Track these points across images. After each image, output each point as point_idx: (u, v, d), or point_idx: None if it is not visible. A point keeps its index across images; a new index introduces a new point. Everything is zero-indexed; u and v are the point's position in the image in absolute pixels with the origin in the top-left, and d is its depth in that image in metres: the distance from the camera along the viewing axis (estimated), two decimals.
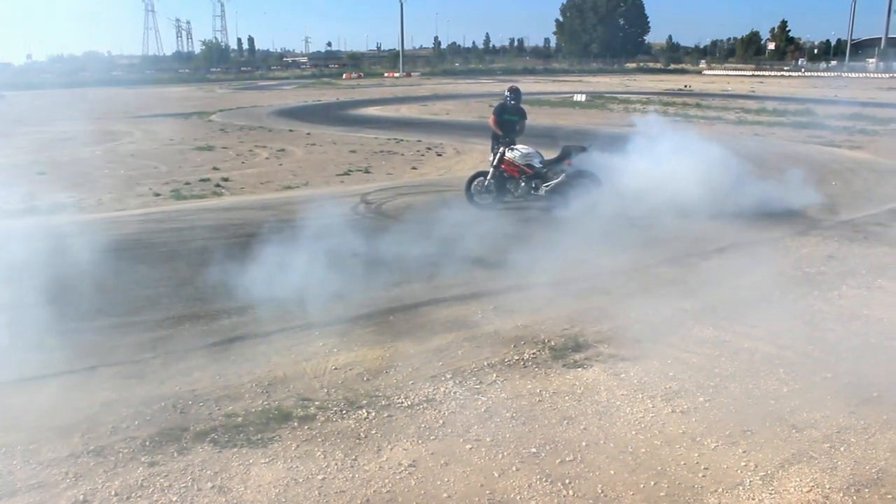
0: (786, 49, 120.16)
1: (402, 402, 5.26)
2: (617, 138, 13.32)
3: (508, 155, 11.62)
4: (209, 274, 8.24)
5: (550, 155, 11.82)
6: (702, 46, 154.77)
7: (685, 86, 56.39)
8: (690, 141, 12.55)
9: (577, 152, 11.46)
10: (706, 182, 10.94)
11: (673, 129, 14.19)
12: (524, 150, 11.64)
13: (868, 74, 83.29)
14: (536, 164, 11.52)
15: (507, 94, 12.31)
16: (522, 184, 11.63)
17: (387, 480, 4.30)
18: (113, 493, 4.18)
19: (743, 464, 4.44)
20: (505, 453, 4.58)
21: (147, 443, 4.70)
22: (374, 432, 4.85)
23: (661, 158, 11.53)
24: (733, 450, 4.60)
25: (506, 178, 11.72)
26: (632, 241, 9.54)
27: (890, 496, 4.11)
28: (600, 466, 4.44)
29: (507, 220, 11.00)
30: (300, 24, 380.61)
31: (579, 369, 5.80)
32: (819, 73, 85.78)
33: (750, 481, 4.26)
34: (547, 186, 11.40)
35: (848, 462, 4.46)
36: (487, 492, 4.19)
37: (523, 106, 12.59)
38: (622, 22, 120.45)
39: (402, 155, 19.08)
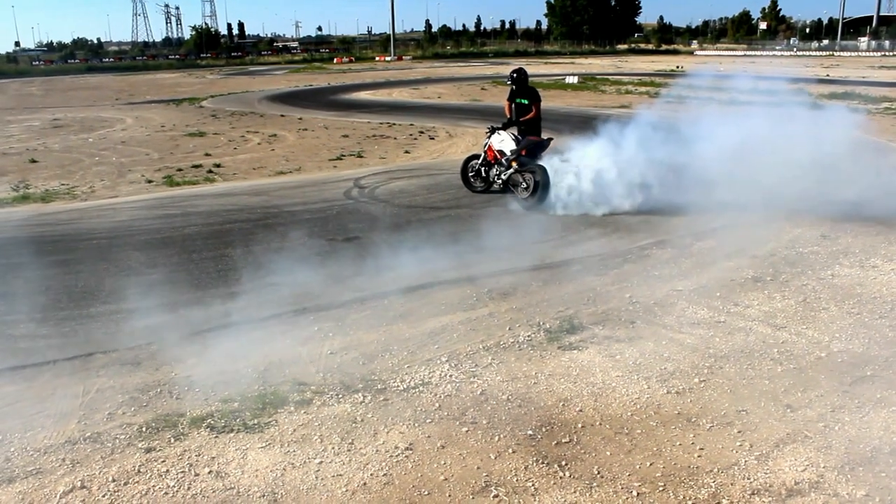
0: (777, 28, 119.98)
1: (398, 386, 5.27)
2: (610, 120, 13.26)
3: (492, 139, 11.47)
4: (203, 260, 8.24)
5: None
6: (693, 27, 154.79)
7: (677, 67, 56.26)
8: (681, 122, 12.47)
9: (536, 145, 11.03)
10: (702, 162, 10.80)
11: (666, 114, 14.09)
12: (502, 136, 11.32)
13: (860, 53, 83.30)
14: (507, 151, 11.13)
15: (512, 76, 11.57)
16: (493, 170, 11.43)
17: (384, 464, 4.31)
18: (110, 478, 4.18)
19: (738, 444, 4.46)
20: (501, 436, 4.60)
21: (144, 429, 4.70)
22: (370, 416, 4.86)
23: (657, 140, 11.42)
24: (728, 430, 4.62)
25: (489, 163, 11.54)
26: (622, 223, 9.57)
27: (884, 474, 4.13)
28: (596, 448, 4.46)
29: (497, 204, 10.98)
30: (290, 8, 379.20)
31: (574, 351, 5.81)
32: (811, 52, 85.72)
33: (745, 461, 4.28)
34: (505, 176, 11.11)
35: (842, 441, 4.48)
36: (484, 474, 4.20)
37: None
38: (613, 3, 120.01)
39: (395, 139, 19.03)
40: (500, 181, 11.28)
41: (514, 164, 10.94)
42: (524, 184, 10.78)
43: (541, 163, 10.78)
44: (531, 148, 10.98)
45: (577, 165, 10.84)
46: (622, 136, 11.33)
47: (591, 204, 10.34)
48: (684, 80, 25.28)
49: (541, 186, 10.48)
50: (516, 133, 11.32)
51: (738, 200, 9.92)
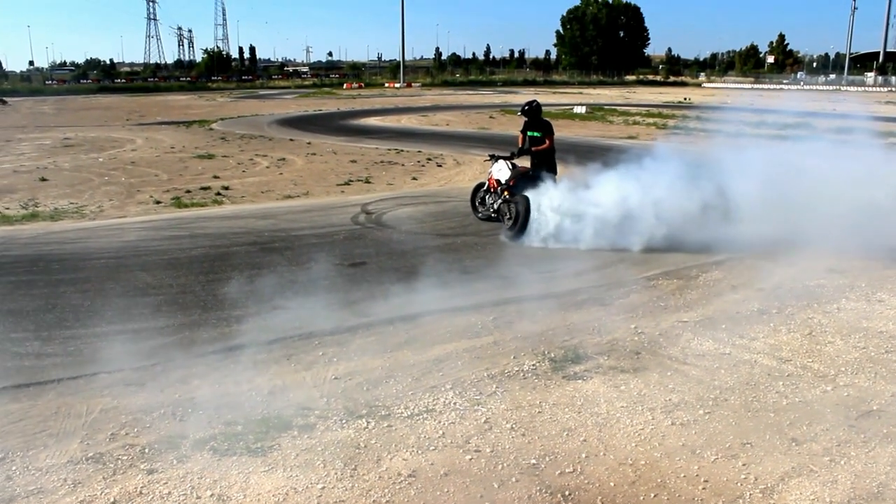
0: (785, 62, 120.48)
1: (402, 413, 5.26)
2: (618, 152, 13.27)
3: (493, 167, 11.46)
4: (209, 282, 8.26)
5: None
6: (701, 59, 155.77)
7: (685, 98, 56.51)
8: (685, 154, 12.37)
9: (523, 175, 11.00)
10: (704, 195, 10.70)
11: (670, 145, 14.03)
12: (500, 165, 11.29)
13: (867, 88, 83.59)
14: (503, 180, 11.10)
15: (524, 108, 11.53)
16: (490, 199, 11.45)
17: (386, 490, 4.29)
18: (112, 499, 4.17)
19: (743, 477, 4.44)
20: (504, 464, 4.58)
21: (146, 450, 4.69)
22: (373, 442, 4.84)
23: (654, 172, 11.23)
24: (733, 462, 4.60)
25: (489, 191, 11.53)
26: (629, 253, 9.57)
27: None
28: (600, 478, 4.44)
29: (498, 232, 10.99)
30: (302, 33, 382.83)
31: (579, 381, 5.80)
32: (818, 87, 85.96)
33: (750, 494, 4.26)
34: (496, 205, 11.12)
35: (848, 476, 4.45)
36: (487, 503, 4.18)
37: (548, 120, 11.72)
38: (622, 34, 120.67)
39: (403, 165, 19.11)
40: (492, 210, 11.31)
41: (506, 194, 10.96)
42: (508, 214, 10.77)
43: (527, 193, 10.53)
44: (520, 178, 10.97)
45: (602, 198, 10.30)
46: (645, 170, 11.00)
47: (616, 236, 9.92)
48: (721, 112, 25.13)
49: (521, 217, 10.33)
50: (513, 164, 11.25)
51: (751, 234, 9.81)
